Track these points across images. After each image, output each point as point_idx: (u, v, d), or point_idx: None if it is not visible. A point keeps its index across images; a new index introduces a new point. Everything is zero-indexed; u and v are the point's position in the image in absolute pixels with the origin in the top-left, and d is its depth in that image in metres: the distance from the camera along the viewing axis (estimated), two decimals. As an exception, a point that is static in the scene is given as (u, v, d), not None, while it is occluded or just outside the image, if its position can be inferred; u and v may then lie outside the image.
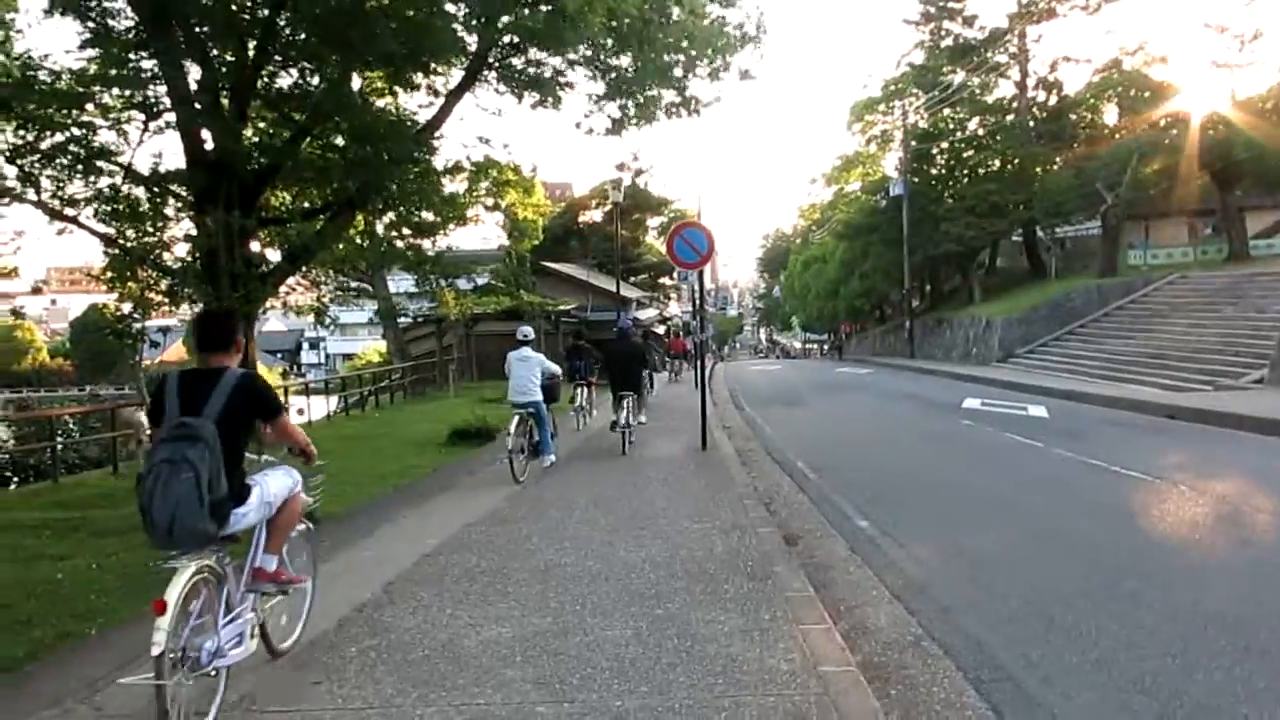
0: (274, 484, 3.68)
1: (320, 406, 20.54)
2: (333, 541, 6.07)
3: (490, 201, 17.01)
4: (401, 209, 12.23)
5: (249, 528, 3.58)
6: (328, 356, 68.94)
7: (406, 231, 13.54)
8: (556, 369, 9.62)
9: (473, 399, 18.95)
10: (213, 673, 3.26)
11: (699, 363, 13.98)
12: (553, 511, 6.99)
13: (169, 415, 3.28)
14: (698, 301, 14.25)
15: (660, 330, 39.05)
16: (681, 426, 12.93)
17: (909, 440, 11.39)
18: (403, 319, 30.73)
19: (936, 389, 19.37)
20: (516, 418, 8.93)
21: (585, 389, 13.45)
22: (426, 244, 14.00)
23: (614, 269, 29.61)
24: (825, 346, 62.52)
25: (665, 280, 50.91)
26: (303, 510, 3.94)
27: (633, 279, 47.26)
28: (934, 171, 34.50)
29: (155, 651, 2.95)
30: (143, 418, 9.13)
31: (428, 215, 13.14)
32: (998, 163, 32.34)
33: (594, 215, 47.24)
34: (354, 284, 17.48)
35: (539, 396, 9.19)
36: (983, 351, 25.55)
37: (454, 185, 15.05)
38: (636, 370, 11.16)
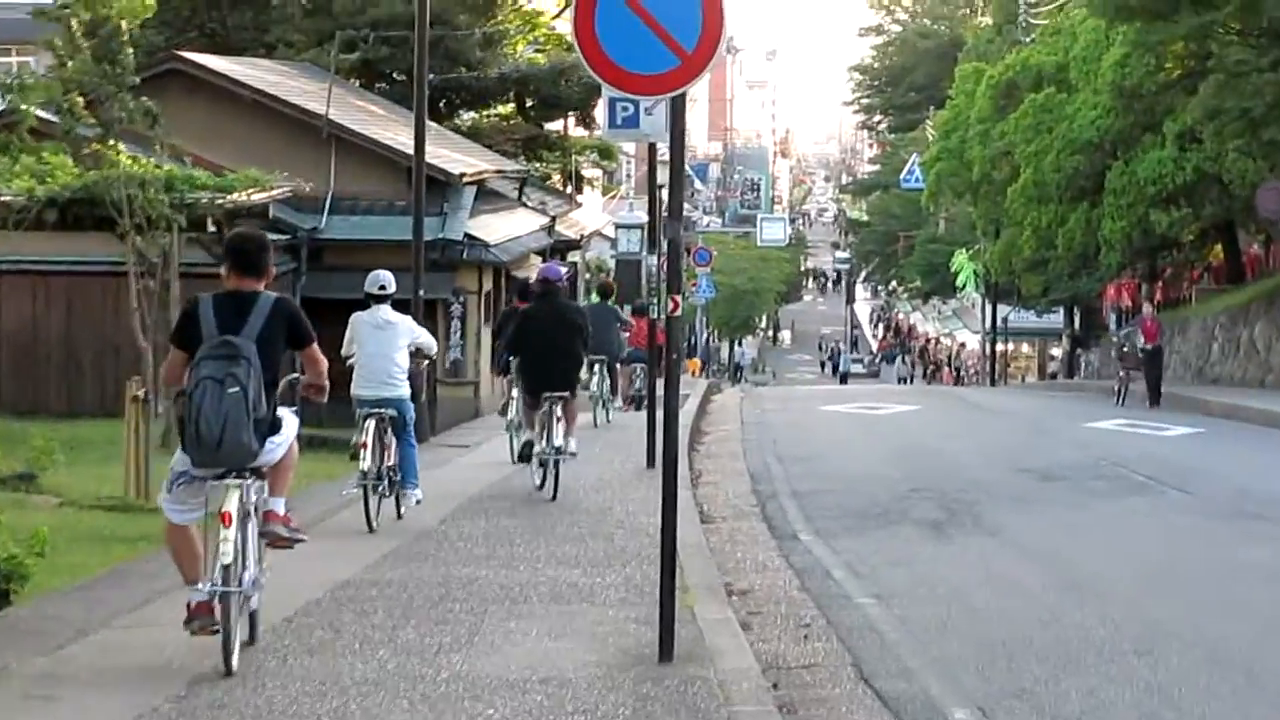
0: (289, 424, 7.90)
1: None
2: None
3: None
4: None
5: (275, 462, 7.80)
6: None
7: None
8: (432, 342, 13.75)
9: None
10: (254, 604, 7.48)
11: (661, 384, 14.27)
12: None
13: (207, 335, 7.24)
14: (664, 198, 16.10)
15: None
16: (596, 585, 11.09)
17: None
18: None
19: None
20: (371, 422, 12.02)
21: None
22: None
23: (415, 84, 24.96)
24: (1069, 345, 53.67)
25: (581, 132, 47.79)
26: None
27: (470, 115, 44.94)
28: None
29: (225, 561, 6.86)
30: None
31: None
32: None
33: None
34: None
35: (404, 390, 12.43)
36: None
37: None
38: (567, 351, 14.36)
